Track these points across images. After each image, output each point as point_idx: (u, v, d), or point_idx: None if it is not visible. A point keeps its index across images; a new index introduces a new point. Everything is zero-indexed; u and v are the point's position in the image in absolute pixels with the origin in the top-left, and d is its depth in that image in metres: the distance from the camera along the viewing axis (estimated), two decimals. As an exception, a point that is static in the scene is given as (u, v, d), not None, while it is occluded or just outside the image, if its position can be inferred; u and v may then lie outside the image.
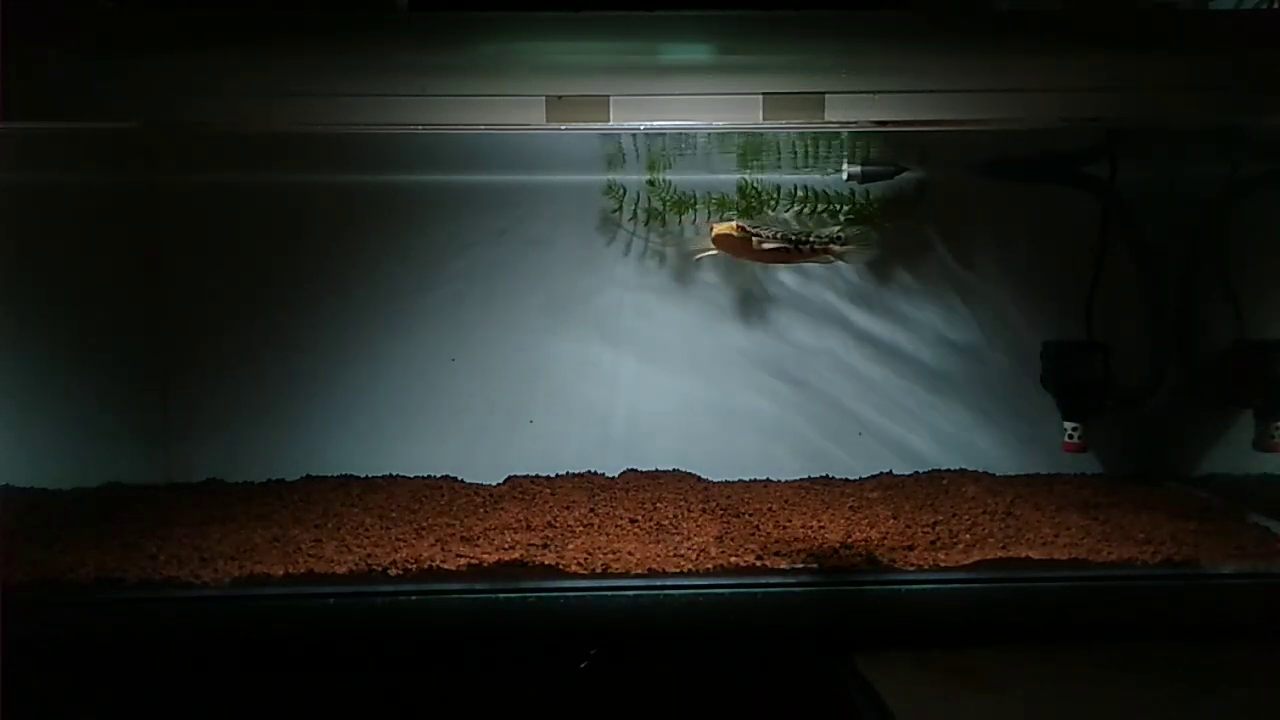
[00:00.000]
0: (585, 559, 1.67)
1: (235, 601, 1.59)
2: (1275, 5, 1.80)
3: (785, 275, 2.26)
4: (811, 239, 2.03)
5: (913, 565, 1.67)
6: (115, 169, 2.14)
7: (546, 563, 1.66)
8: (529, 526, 1.86)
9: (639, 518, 1.91)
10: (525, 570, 1.65)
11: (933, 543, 1.76)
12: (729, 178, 2.19)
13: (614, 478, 2.24)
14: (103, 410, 2.18)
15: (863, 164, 2.09)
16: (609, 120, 1.53)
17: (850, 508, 1.99)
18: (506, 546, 1.73)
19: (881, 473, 2.28)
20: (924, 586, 1.63)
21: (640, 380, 2.28)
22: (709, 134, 1.83)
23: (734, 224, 1.92)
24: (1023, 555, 1.69)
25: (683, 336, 2.28)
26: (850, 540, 1.76)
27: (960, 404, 2.29)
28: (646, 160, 2.10)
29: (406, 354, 2.26)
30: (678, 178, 2.18)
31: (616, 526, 1.86)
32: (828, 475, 2.28)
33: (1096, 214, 2.09)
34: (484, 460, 2.24)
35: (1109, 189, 2.04)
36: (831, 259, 1.99)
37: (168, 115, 1.55)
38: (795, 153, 2.00)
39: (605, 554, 1.69)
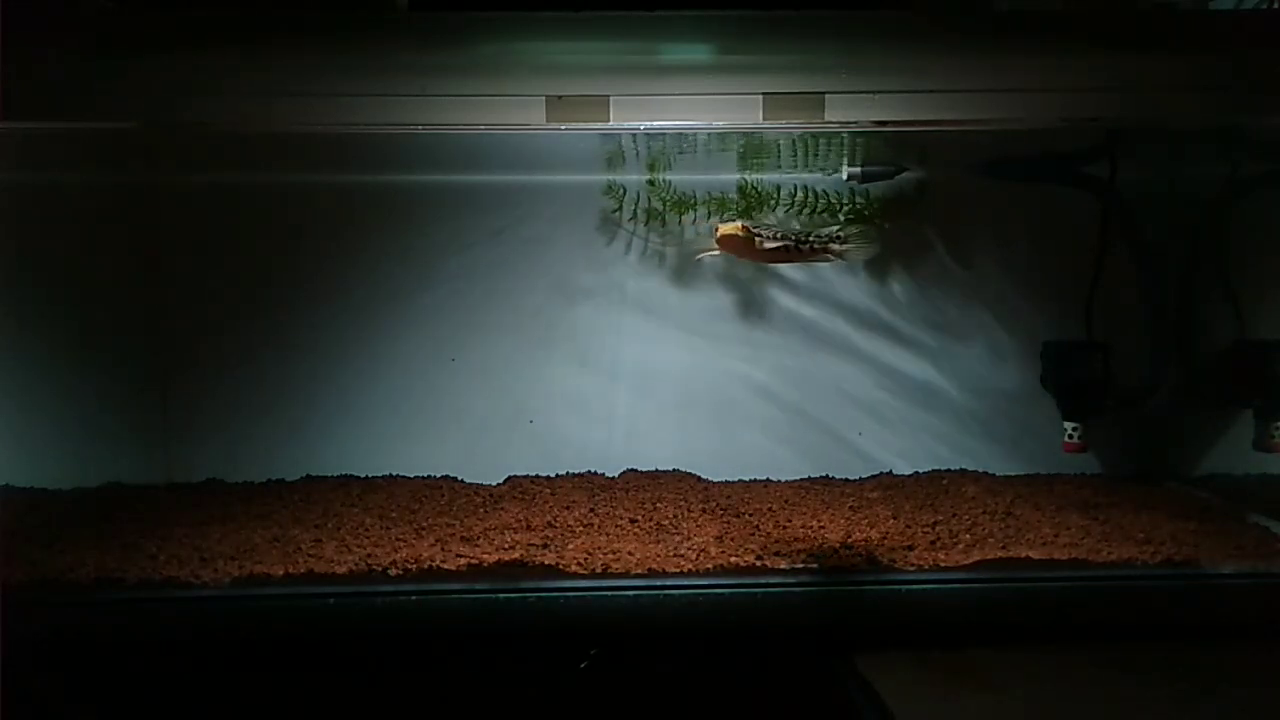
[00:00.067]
0: (585, 559, 1.67)
1: (235, 601, 1.59)
2: (1275, 5, 1.80)
3: (786, 275, 2.26)
4: (811, 238, 2.03)
5: (913, 565, 1.67)
6: (115, 169, 2.13)
7: (546, 563, 1.66)
8: (529, 526, 1.86)
9: (639, 518, 1.91)
10: (525, 570, 1.65)
11: (933, 543, 1.76)
12: (729, 178, 2.19)
13: (614, 478, 2.24)
14: (103, 410, 2.18)
15: (863, 164, 2.09)
16: (609, 120, 1.52)
17: (850, 508, 1.99)
18: (506, 546, 1.73)
19: (881, 473, 2.28)
20: (924, 586, 1.63)
21: (640, 380, 2.28)
22: (709, 134, 1.83)
23: (739, 224, 1.92)
24: (1023, 555, 1.69)
25: (683, 336, 2.28)
26: (850, 540, 1.76)
27: (960, 404, 2.29)
28: (647, 160, 2.10)
29: (406, 354, 2.26)
30: (678, 178, 2.18)
31: (616, 526, 1.86)
32: (828, 475, 2.28)
33: (1096, 214, 2.09)
34: (484, 460, 2.24)
35: (1109, 189, 2.04)
36: (831, 258, 1.99)
37: (168, 115, 1.55)
38: (795, 153, 2.00)
39: (605, 554, 1.69)
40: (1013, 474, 2.26)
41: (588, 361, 2.28)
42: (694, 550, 1.71)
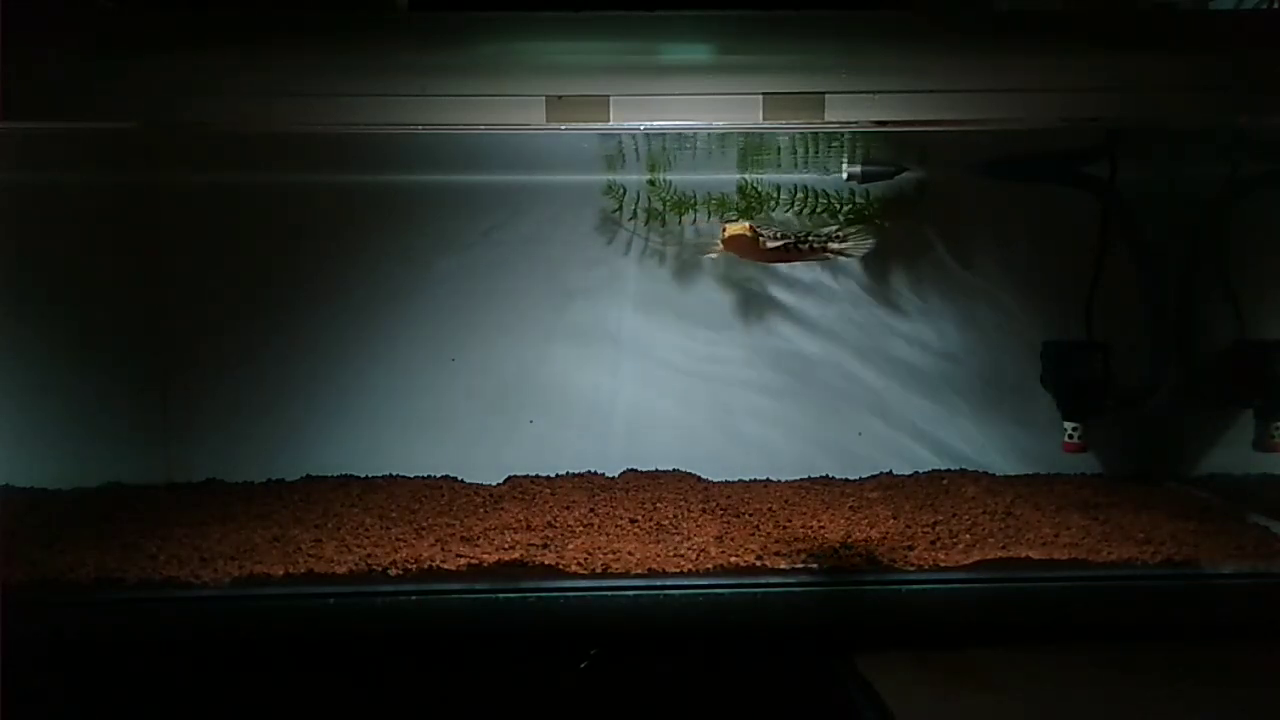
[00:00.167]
0: (585, 559, 1.67)
1: (235, 601, 1.59)
2: (1275, 5, 1.80)
3: (786, 275, 2.26)
4: (810, 238, 2.03)
5: (913, 565, 1.67)
6: (115, 169, 2.13)
7: (546, 563, 1.66)
8: (529, 526, 1.86)
9: (639, 518, 1.91)
10: (525, 570, 1.65)
11: (933, 543, 1.76)
12: (729, 178, 2.19)
13: (614, 478, 2.24)
14: (103, 410, 2.18)
15: (863, 164, 2.09)
16: (609, 120, 1.53)
17: (850, 508, 1.99)
18: (506, 546, 1.73)
19: (881, 473, 2.28)
20: (924, 586, 1.63)
21: (641, 380, 2.28)
22: (709, 134, 1.83)
23: (747, 225, 1.92)
24: (1023, 555, 1.69)
25: (683, 336, 2.28)
26: (850, 540, 1.76)
27: (960, 404, 2.29)
28: (647, 160, 2.10)
29: (406, 354, 2.26)
30: (678, 178, 2.18)
31: (616, 526, 1.86)
32: (828, 475, 2.28)
33: (1096, 214, 2.09)
34: (484, 460, 2.24)
35: (1109, 189, 2.04)
36: (829, 256, 1.99)
37: (168, 115, 1.55)
38: (795, 153, 2.00)
39: (605, 554, 1.69)
40: (1013, 474, 2.27)
41: (588, 361, 2.28)
42: (694, 550, 1.71)
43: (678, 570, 1.65)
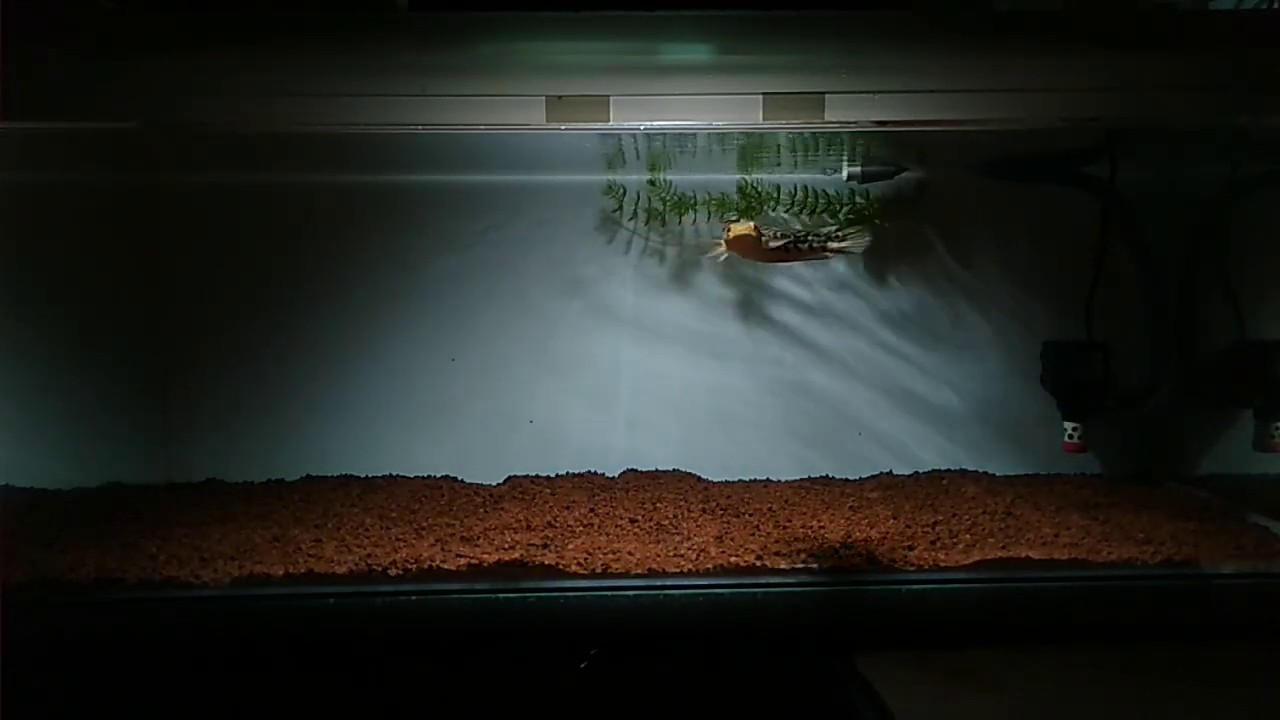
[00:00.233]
0: (585, 559, 1.67)
1: (235, 601, 1.59)
2: (1275, 5, 1.80)
3: (786, 274, 2.26)
4: (810, 237, 2.03)
5: (913, 565, 1.67)
6: (115, 169, 2.13)
7: (546, 563, 1.66)
8: (529, 526, 1.86)
9: (639, 518, 1.91)
10: (525, 570, 1.65)
11: (933, 543, 1.76)
12: (729, 178, 2.19)
13: (614, 478, 2.24)
14: (103, 410, 2.18)
15: (863, 164, 2.09)
16: (609, 120, 1.52)
17: (850, 508, 1.99)
18: (506, 546, 1.73)
19: (881, 473, 2.28)
20: (924, 586, 1.63)
21: (641, 380, 2.28)
22: (709, 134, 1.83)
23: (752, 224, 1.93)
24: (1023, 555, 1.69)
25: (683, 336, 2.28)
26: (850, 540, 1.76)
27: (960, 404, 2.30)
28: (647, 160, 2.10)
29: (406, 354, 2.26)
30: (678, 178, 2.18)
31: (616, 526, 1.86)
32: (828, 475, 2.28)
33: (1096, 214, 2.09)
34: (484, 460, 2.24)
35: (1109, 189, 2.04)
36: (829, 255, 2.00)
37: (168, 115, 1.55)
38: (795, 153, 2.00)
39: (605, 554, 1.69)
40: (1013, 474, 2.27)
41: (588, 361, 2.28)
42: (694, 550, 1.71)
43: (678, 570, 1.66)
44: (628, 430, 2.29)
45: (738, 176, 2.18)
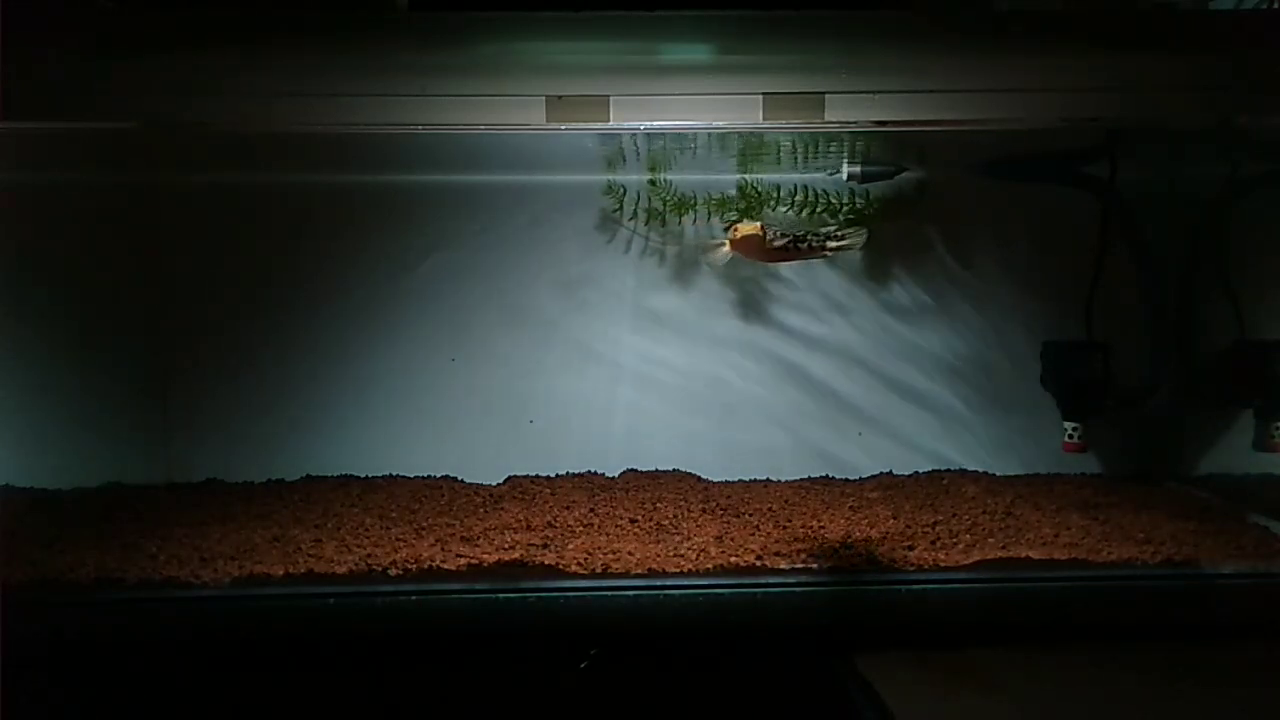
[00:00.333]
0: (585, 559, 1.67)
1: (235, 601, 1.59)
2: (1275, 5, 1.80)
3: (786, 275, 2.26)
4: (809, 237, 2.03)
5: (913, 565, 1.67)
6: (115, 169, 2.13)
7: (546, 563, 1.66)
8: (529, 526, 1.86)
9: (639, 518, 1.91)
10: (525, 570, 1.65)
11: (933, 543, 1.76)
12: (729, 178, 2.19)
13: (614, 478, 2.24)
14: (103, 410, 2.18)
15: (862, 164, 2.09)
16: (609, 120, 1.53)
17: (850, 508, 1.99)
18: (506, 546, 1.73)
19: (881, 473, 2.28)
20: (924, 586, 1.63)
21: (641, 380, 2.28)
22: (709, 134, 1.83)
23: (758, 224, 1.93)
24: (1023, 555, 1.69)
25: (683, 335, 2.28)
26: (850, 540, 1.76)
27: (960, 404, 2.29)
28: (647, 160, 2.10)
29: (406, 354, 2.26)
30: (678, 178, 2.18)
31: (616, 526, 1.86)
32: (828, 475, 2.28)
33: (1096, 214, 2.09)
34: (484, 460, 2.24)
35: (1109, 189, 2.04)
36: (829, 254, 2.00)
37: (168, 115, 1.55)
38: (795, 153, 2.00)
39: (605, 554, 1.69)
40: (1013, 474, 2.27)
41: (588, 361, 2.28)
42: (694, 550, 1.71)
43: (678, 570, 1.65)
44: (628, 430, 2.28)
45: (738, 176, 2.18)
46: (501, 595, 1.59)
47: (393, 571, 1.64)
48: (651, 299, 2.28)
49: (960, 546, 1.74)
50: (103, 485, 2.14)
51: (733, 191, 2.20)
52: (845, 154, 2.06)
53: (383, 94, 1.52)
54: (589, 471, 2.27)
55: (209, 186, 2.17)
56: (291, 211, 2.21)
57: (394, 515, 1.93)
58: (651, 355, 2.28)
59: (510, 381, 2.27)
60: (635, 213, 2.23)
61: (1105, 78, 1.55)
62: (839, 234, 2.02)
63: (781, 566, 1.67)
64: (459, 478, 2.23)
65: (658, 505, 1.99)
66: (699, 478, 2.24)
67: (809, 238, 2.02)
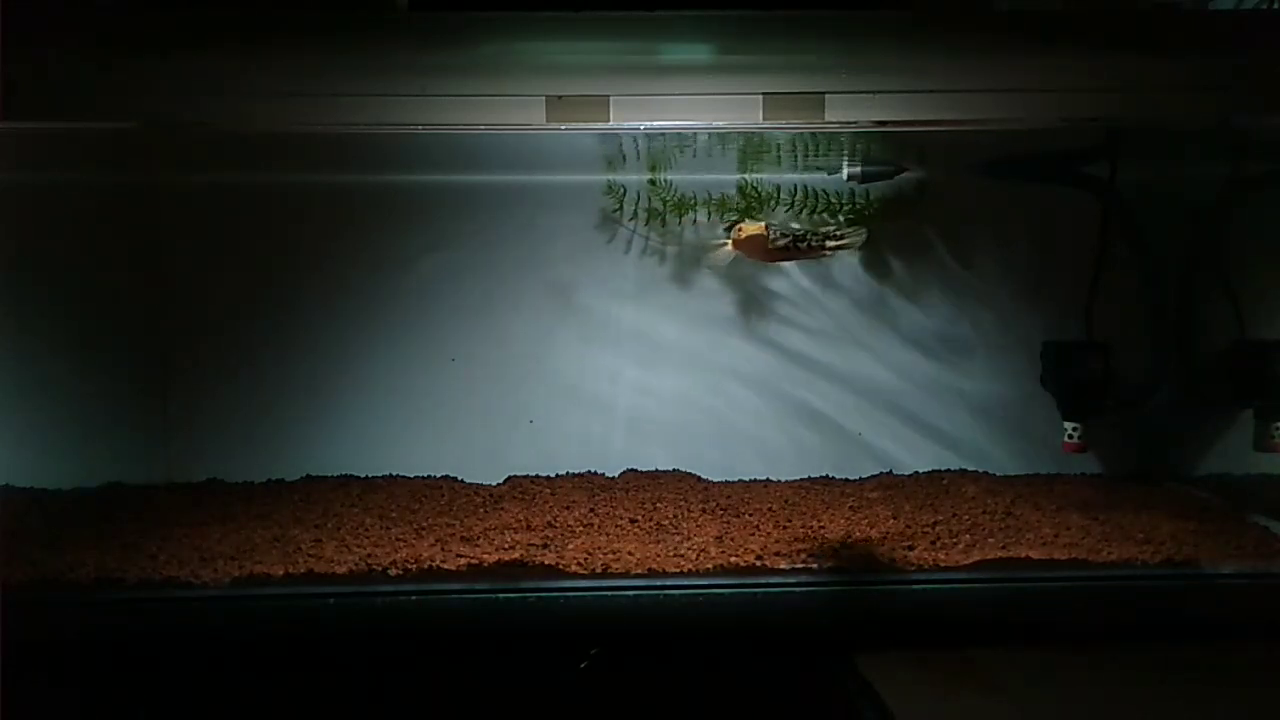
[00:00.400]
0: (585, 559, 1.67)
1: (235, 601, 1.59)
2: (1275, 5, 1.80)
3: (786, 275, 2.26)
4: (810, 236, 2.04)
5: (913, 565, 1.67)
6: (115, 169, 2.13)
7: (546, 563, 1.66)
8: (529, 526, 1.86)
9: (639, 518, 1.91)
10: (525, 570, 1.65)
11: (933, 543, 1.76)
12: (729, 178, 2.19)
13: (614, 478, 2.24)
14: (103, 410, 2.18)
15: (863, 164, 2.09)
16: (609, 120, 1.52)
17: (850, 508, 1.99)
18: (506, 546, 1.73)
19: (881, 473, 2.28)
20: (924, 587, 1.63)
21: (640, 380, 2.28)
22: (709, 134, 1.83)
23: (763, 224, 1.93)
24: (1023, 555, 1.69)
25: (683, 336, 2.28)
26: (850, 540, 1.76)
27: (960, 404, 2.29)
28: (647, 160, 2.10)
29: (406, 354, 2.26)
30: (678, 178, 2.18)
31: (616, 526, 1.86)
32: (828, 475, 2.28)
33: (1096, 214, 2.09)
34: (484, 460, 2.24)
35: (1109, 189, 2.04)
36: (828, 254, 2.00)
37: (168, 115, 1.55)
38: (795, 153, 2.00)
39: (605, 554, 1.69)
40: (1013, 474, 2.27)
41: (587, 361, 2.28)
42: (694, 550, 1.71)
43: (678, 570, 1.65)
44: (628, 430, 2.28)
45: (738, 176, 2.18)
46: (501, 595, 1.59)
47: (393, 571, 1.64)
48: (652, 298, 2.27)
49: (960, 546, 1.74)
50: (103, 485, 2.14)
51: (732, 192, 2.20)
52: (845, 154, 2.06)
53: (383, 94, 1.52)
54: (589, 471, 2.27)
55: (209, 186, 2.17)
56: (291, 211, 2.21)
57: (394, 515, 1.93)
58: (652, 354, 2.28)
59: (510, 381, 2.27)
60: (635, 213, 2.23)
61: (1105, 78, 1.55)
62: (838, 233, 2.02)
63: (781, 567, 1.67)
64: (459, 478, 2.23)
65: (658, 505, 1.99)
66: (699, 478, 2.24)
67: (809, 237, 2.02)
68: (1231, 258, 2.16)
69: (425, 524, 1.87)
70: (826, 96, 1.52)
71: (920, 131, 1.69)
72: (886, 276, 2.28)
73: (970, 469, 2.29)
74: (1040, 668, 1.55)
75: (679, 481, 2.19)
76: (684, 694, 1.52)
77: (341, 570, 1.64)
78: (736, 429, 2.29)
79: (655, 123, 1.56)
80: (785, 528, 1.85)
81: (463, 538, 1.79)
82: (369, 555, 1.68)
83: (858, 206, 2.18)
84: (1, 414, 2.10)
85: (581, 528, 1.86)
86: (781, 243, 1.96)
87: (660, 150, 2.03)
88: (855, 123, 1.55)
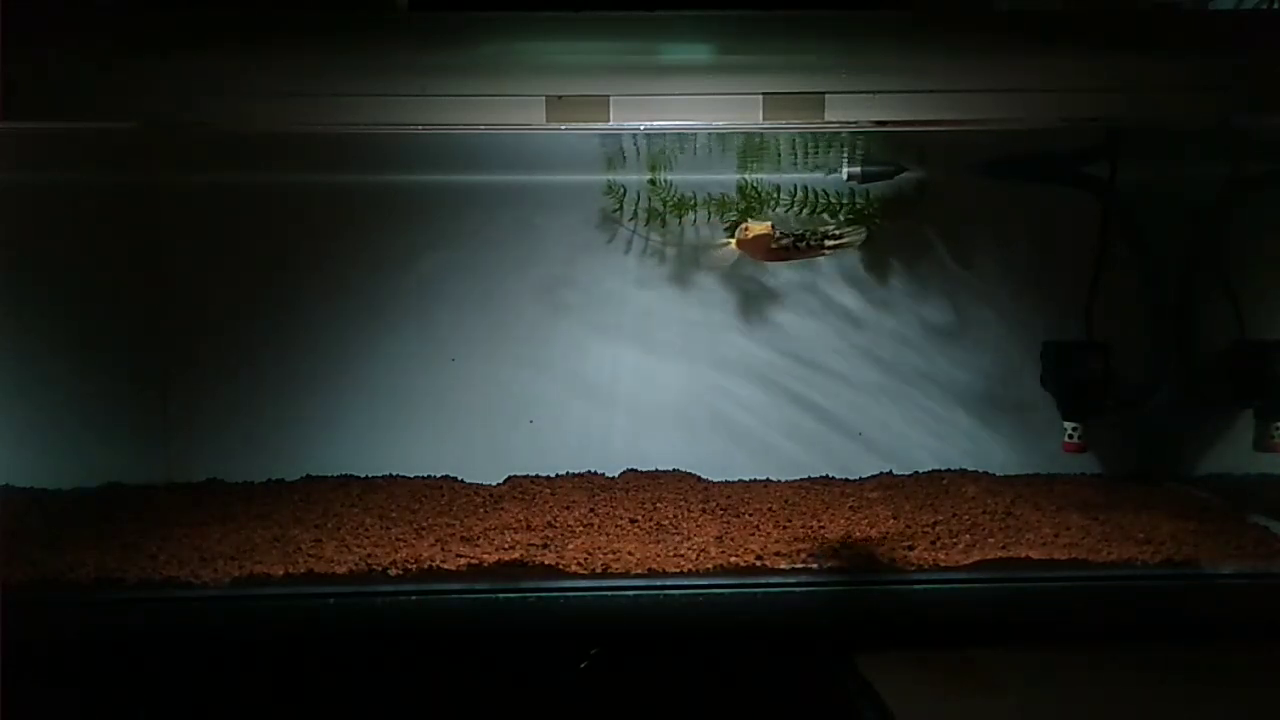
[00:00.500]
0: (585, 559, 1.67)
1: (235, 601, 1.59)
2: (1275, 5, 1.80)
3: (786, 275, 2.26)
4: (809, 236, 2.04)
5: (913, 565, 1.67)
6: (115, 169, 2.13)
7: (546, 563, 1.66)
8: (529, 526, 1.86)
9: (639, 518, 1.91)
10: (525, 570, 1.65)
11: (933, 543, 1.76)
12: (729, 178, 2.19)
13: (614, 478, 2.24)
14: (103, 410, 2.18)
15: (862, 164, 2.09)
16: (609, 120, 1.53)
17: (850, 508, 1.99)
18: (506, 546, 1.73)
19: (881, 473, 2.28)
20: (924, 586, 1.63)
21: (641, 380, 2.28)
22: (709, 134, 1.83)
23: (768, 224, 1.93)
24: (1023, 555, 1.69)
25: (683, 336, 2.28)
26: (850, 540, 1.76)
27: (960, 404, 2.30)
28: (647, 160, 2.10)
29: (406, 354, 2.26)
30: (678, 178, 2.18)
31: (616, 526, 1.86)
32: (828, 475, 2.28)
33: (1096, 214, 2.09)
34: (484, 460, 2.24)
35: (1109, 189, 2.04)
36: (827, 253, 2.00)
37: (168, 115, 1.55)
38: (795, 153, 2.00)
39: (605, 554, 1.69)
40: (1013, 474, 2.27)
41: (588, 361, 2.28)
42: (694, 550, 1.71)
43: (678, 570, 1.65)
44: (628, 430, 2.28)
45: (737, 176, 2.18)
46: (501, 595, 1.59)
47: (393, 571, 1.64)
48: (652, 298, 2.27)
49: (960, 546, 1.74)
50: (103, 485, 2.14)
51: (732, 192, 2.19)
52: (845, 154, 2.06)
53: (383, 94, 1.52)
54: (589, 471, 2.27)
55: (209, 186, 2.17)
56: (291, 211, 2.21)
57: (394, 515, 1.93)
58: (652, 354, 2.28)
59: (510, 381, 2.27)
60: (635, 213, 2.23)
61: (1105, 78, 1.55)
62: (837, 232, 2.02)
63: (782, 567, 1.67)
64: (459, 478, 2.23)
65: (658, 505, 1.99)
66: (699, 478, 2.24)
67: (809, 237, 2.03)
68: (1231, 258, 2.16)
69: (425, 524, 1.87)
70: (826, 96, 1.52)
71: (920, 131, 1.69)
72: (886, 276, 2.28)
73: (970, 469, 2.29)
74: (1040, 668, 1.55)
75: (679, 481, 2.19)
76: (684, 694, 1.52)
77: (341, 570, 1.64)
78: (737, 429, 2.29)
79: (655, 123, 1.56)
80: (785, 528, 1.85)
81: (463, 538, 1.79)
82: (369, 555, 1.68)
83: (858, 206, 2.18)
84: (1, 414, 2.10)
85: (581, 528, 1.86)
86: (784, 242, 1.97)
87: (660, 150, 2.03)
88: (855, 123, 1.55)
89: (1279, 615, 1.62)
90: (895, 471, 2.29)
